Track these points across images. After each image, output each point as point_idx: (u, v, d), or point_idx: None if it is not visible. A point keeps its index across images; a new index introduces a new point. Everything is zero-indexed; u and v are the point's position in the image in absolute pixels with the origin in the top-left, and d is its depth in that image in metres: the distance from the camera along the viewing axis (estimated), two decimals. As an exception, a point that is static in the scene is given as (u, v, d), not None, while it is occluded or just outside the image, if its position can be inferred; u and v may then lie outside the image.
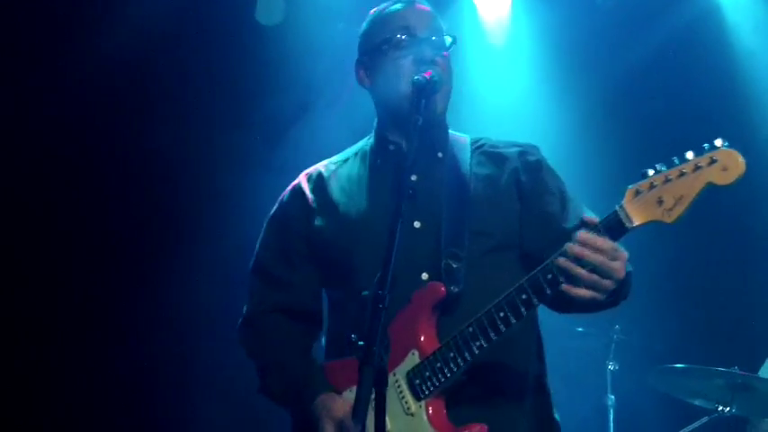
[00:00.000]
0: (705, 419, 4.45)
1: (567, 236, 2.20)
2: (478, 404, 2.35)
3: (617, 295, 2.25)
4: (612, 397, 4.79)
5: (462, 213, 2.51)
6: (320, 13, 5.07)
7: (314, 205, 2.58)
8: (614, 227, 2.14)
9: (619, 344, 4.84)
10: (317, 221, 2.56)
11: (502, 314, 2.21)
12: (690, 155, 2.08)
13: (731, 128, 5.00)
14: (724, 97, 5.30)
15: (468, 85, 5.10)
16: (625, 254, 2.17)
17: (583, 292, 2.15)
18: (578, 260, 2.13)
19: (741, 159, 2.04)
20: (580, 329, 4.74)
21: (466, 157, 2.59)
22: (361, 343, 1.99)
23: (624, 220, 2.12)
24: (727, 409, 4.35)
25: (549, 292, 2.16)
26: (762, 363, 4.76)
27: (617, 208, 2.14)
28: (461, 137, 2.66)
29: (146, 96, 5.44)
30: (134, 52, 5.17)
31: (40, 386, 5.26)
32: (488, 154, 2.60)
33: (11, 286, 5.32)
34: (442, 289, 2.37)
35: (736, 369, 4.31)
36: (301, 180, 2.66)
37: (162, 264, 5.33)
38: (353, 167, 2.64)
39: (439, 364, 2.29)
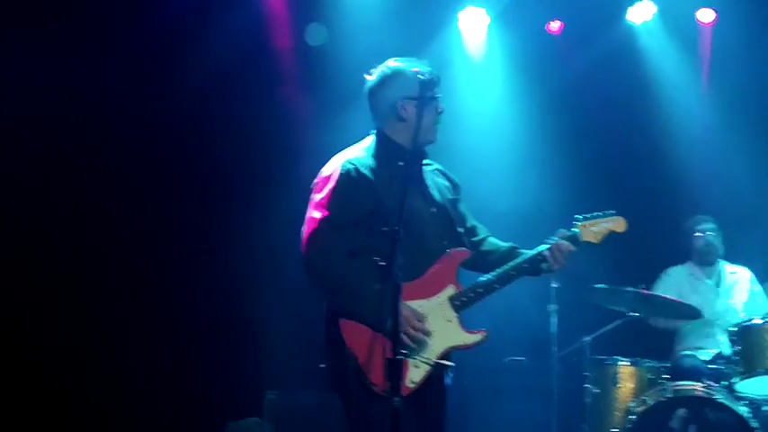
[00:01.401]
0: (619, 321, 5.51)
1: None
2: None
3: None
4: (555, 305, 5.58)
5: (452, 206, 3.63)
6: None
7: (370, 184, 3.41)
8: (574, 240, 3.56)
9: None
10: (374, 195, 3.39)
11: (513, 273, 3.52)
12: (608, 214, 3.63)
13: (642, 124, 6.44)
14: (637, 96, 6.47)
15: (454, 94, 5.92)
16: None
17: (556, 268, 3.54)
18: (558, 252, 3.51)
19: (625, 223, 3.62)
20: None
21: (430, 173, 3.63)
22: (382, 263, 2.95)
23: (580, 238, 3.56)
24: (635, 313, 5.39)
25: (543, 266, 3.53)
26: (659, 278, 5.95)
27: (577, 233, 3.56)
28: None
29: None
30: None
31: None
32: (441, 172, 3.70)
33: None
34: (468, 252, 3.53)
35: (642, 286, 5.38)
36: (351, 164, 3.43)
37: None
38: (379, 165, 3.45)
39: (471, 294, 3.48)
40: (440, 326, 3.43)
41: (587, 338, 5.59)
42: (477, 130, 6.37)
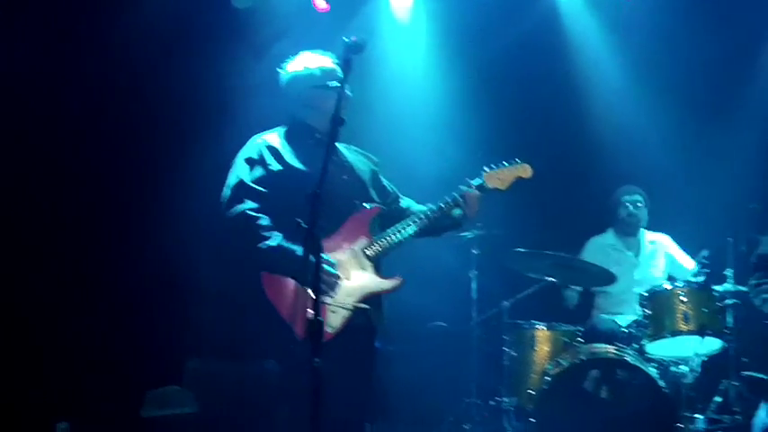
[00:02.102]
0: (536, 287, 5.65)
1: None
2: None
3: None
4: (476, 271, 5.82)
5: (368, 177, 3.97)
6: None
7: (278, 157, 3.77)
8: (479, 187, 3.91)
9: (481, 236, 5.79)
10: (282, 165, 3.75)
11: (422, 218, 3.83)
12: (513, 162, 3.98)
13: (568, 93, 6.55)
14: (565, 64, 6.59)
15: (382, 59, 6.16)
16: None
17: (469, 214, 3.88)
18: (469, 199, 3.85)
19: (530, 168, 4.01)
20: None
21: (346, 150, 4.00)
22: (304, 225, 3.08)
23: (485, 184, 3.92)
24: (552, 279, 5.47)
25: (456, 213, 3.86)
26: (581, 247, 6.11)
27: (482, 181, 3.91)
28: (340, 143, 3.94)
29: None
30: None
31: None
32: (359, 152, 4.04)
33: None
34: (379, 207, 3.87)
35: (562, 253, 5.46)
36: (264, 141, 3.81)
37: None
38: (292, 141, 3.84)
39: (383, 242, 3.79)
40: (355, 274, 3.73)
41: (506, 303, 5.74)
42: (403, 94, 6.42)
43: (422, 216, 3.89)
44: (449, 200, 3.91)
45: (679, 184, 6.29)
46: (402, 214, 4.01)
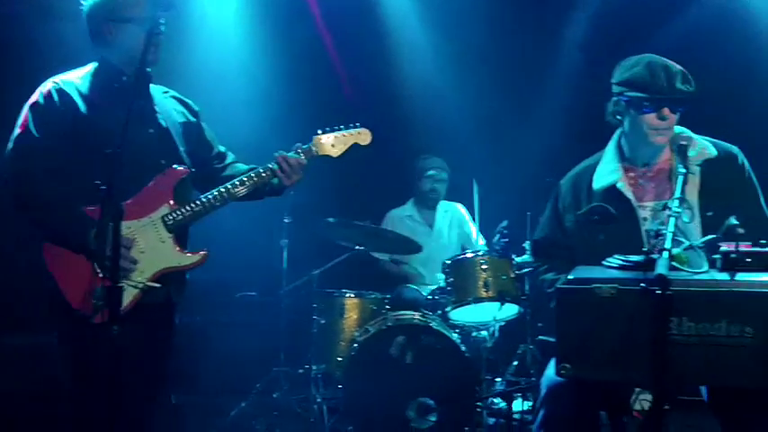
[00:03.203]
0: (347, 254, 5.74)
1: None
2: None
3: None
4: (287, 240, 5.75)
5: (182, 129, 3.55)
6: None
7: (72, 104, 3.28)
8: (307, 153, 3.63)
9: (294, 203, 5.70)
10: (77, 114, 3.27)
11: (236, 187, 3.46)
12: (350, 127, 3.69)
13: (376, 64, 6.65)
14: (373, 36, 6.63)
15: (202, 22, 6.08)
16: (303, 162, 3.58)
17: (288, 182, 3.56)
18: (287, 165, 3.53)
19: (370, 134, 3.71)
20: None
21: (160, 96, 3.58)
22: (103, 187, 2.73)
23: (314, 151, 3.63)
24: (361, 247, 5.69)
25: (275, 182, 3.56)
26: (382, 218, 6.30)
27: (311, 144, 3.61)
28: (157, 86, 3.58)
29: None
30: None
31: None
32: (176, 98, 3.64)
33: None
34: (186, 170, 3.42)
35: (368, 222, 5.70)
36: (56, 84, 3.32)
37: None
38: (95, 85, 3.37)
39: (186, 211, 3.39)
40: (152, 247, 3.34)
41: (315, 272, 5.76)
42: (219, 60, 6.31)
43: (233, 187, 3.52)
44: (266, 168, 3.58)
45: (481, 155, 6.49)
46: (223, 176, 3.66)
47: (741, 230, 2.73)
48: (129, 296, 3.24)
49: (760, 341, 2.44)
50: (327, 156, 3.68)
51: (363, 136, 3.73)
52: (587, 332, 2.57)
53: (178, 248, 3.41)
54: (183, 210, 3.42)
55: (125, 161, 2.81)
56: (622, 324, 2.51)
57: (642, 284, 2.44)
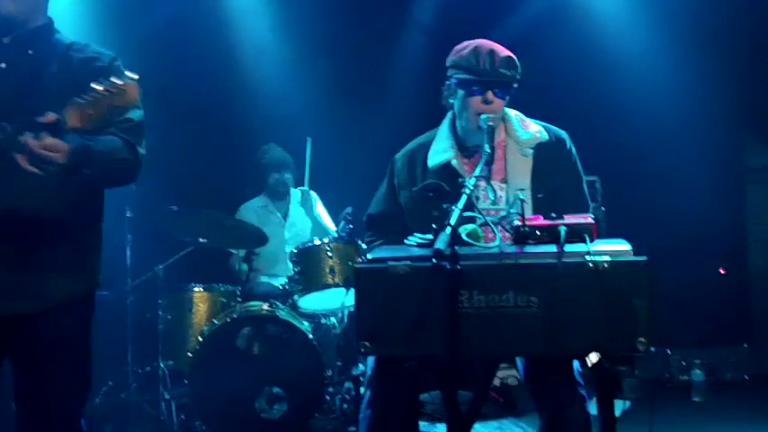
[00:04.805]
0: (191, 248, 5.59)
1: None
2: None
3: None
4: (129, 236, 5.48)
5: (33, 95, 2.82)
6: None
7: None
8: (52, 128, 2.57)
9: (136, 196, 5.41)
10: None
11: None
12: (98, 86, 2.50)
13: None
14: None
15: None
16: (66, 147, 2.61)
17: (31, 169, 2.62)
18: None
19: (134, 88, 2.54)
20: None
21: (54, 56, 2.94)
22: None
23: (63, 123, 2.54)
24: (204, 240, 5.50)
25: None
26: (235, 212, 6.13)
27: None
28: (64, 39, 2.99)
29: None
30: None
31: None
32: (74, 58, 2.97)
33: None
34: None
35: (215, 211, 5.50)
36: None
37: None
38: None
39: None
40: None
41: (160, 267, 5.64)
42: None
43: None
44: None
45: (327, 143, 6.40)
46: None
47: (527, 203, 2.79)
48: None
49: (543, 310, 2.50)
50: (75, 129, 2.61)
51: (129, 91, 2.57)
52: (384, 310, 2.60)
53: None
54: None
55: None
56: (417, 300, 2.54)
57: (433, 260, 2.46)
